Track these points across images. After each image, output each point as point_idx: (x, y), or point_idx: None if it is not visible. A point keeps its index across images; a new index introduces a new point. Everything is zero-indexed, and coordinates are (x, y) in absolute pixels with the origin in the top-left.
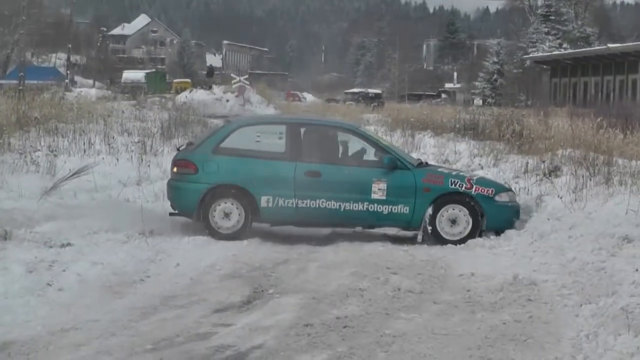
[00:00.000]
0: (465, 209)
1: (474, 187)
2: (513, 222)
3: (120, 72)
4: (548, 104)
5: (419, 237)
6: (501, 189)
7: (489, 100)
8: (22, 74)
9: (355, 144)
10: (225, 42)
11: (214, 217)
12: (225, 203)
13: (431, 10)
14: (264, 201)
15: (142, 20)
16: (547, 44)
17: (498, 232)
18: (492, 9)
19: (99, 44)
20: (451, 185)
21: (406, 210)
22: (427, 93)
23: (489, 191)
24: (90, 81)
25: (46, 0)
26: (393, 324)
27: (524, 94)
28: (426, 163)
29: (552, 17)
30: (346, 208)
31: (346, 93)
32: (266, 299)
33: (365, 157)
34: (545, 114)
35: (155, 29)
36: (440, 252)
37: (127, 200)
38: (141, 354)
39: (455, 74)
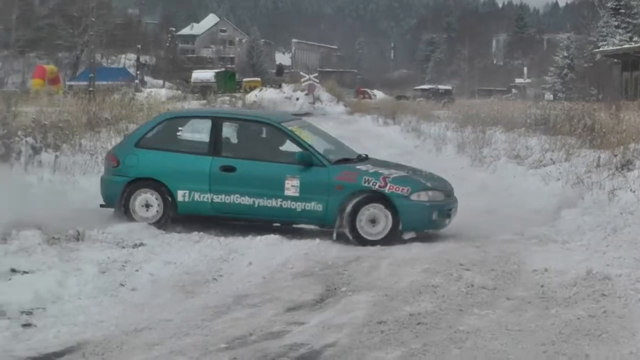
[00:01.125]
0: (383, 208)
1: (388, 185)
2: (435, 222)
3: (189, 72)
4: (619, 98)
5: (334, 235)
6: (420, 187)
7: (560, 94)
8: (92, 75)
9: (276, 139)
10: (294, 40)
11: (135, 210)
12: (144, 196)
13: (500, 5)
14: (180, 195)
15: (210, 19)
16: (617, 37)
17: (418, 232)
18: (562, 3)
19: (167, 44)
20: (364, 183)
21: (319, 207)
22: (497, 88)
23: (404, 190)
24: (160, 81)
25: (115, 1)
26: (466, 320)
27: (594, 88)
28: (366, 157)
29: (622, 11)
30: (260, 204)
31: (416, 90)
32: (339, 297)
33: (282, 153)
34: (617, 107)
35: (224, 28)
36: (513, 247)
37: None
38: (215, 353)
39: (525, 68)
